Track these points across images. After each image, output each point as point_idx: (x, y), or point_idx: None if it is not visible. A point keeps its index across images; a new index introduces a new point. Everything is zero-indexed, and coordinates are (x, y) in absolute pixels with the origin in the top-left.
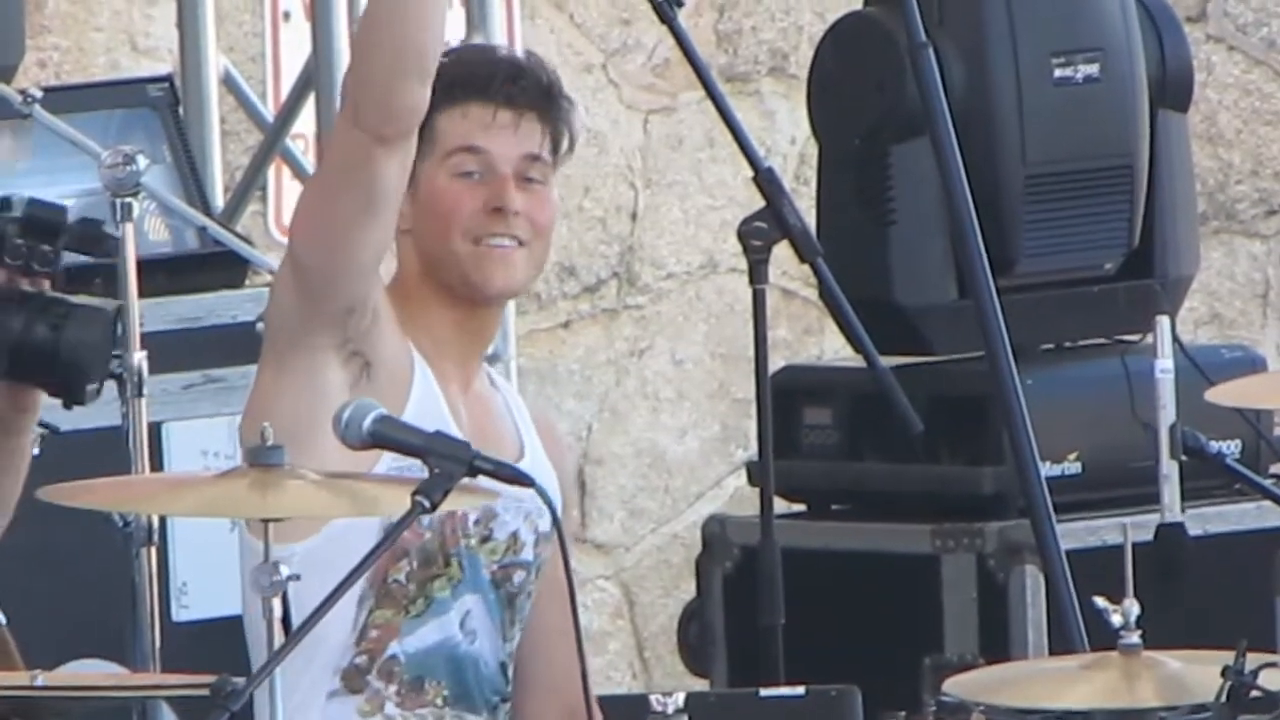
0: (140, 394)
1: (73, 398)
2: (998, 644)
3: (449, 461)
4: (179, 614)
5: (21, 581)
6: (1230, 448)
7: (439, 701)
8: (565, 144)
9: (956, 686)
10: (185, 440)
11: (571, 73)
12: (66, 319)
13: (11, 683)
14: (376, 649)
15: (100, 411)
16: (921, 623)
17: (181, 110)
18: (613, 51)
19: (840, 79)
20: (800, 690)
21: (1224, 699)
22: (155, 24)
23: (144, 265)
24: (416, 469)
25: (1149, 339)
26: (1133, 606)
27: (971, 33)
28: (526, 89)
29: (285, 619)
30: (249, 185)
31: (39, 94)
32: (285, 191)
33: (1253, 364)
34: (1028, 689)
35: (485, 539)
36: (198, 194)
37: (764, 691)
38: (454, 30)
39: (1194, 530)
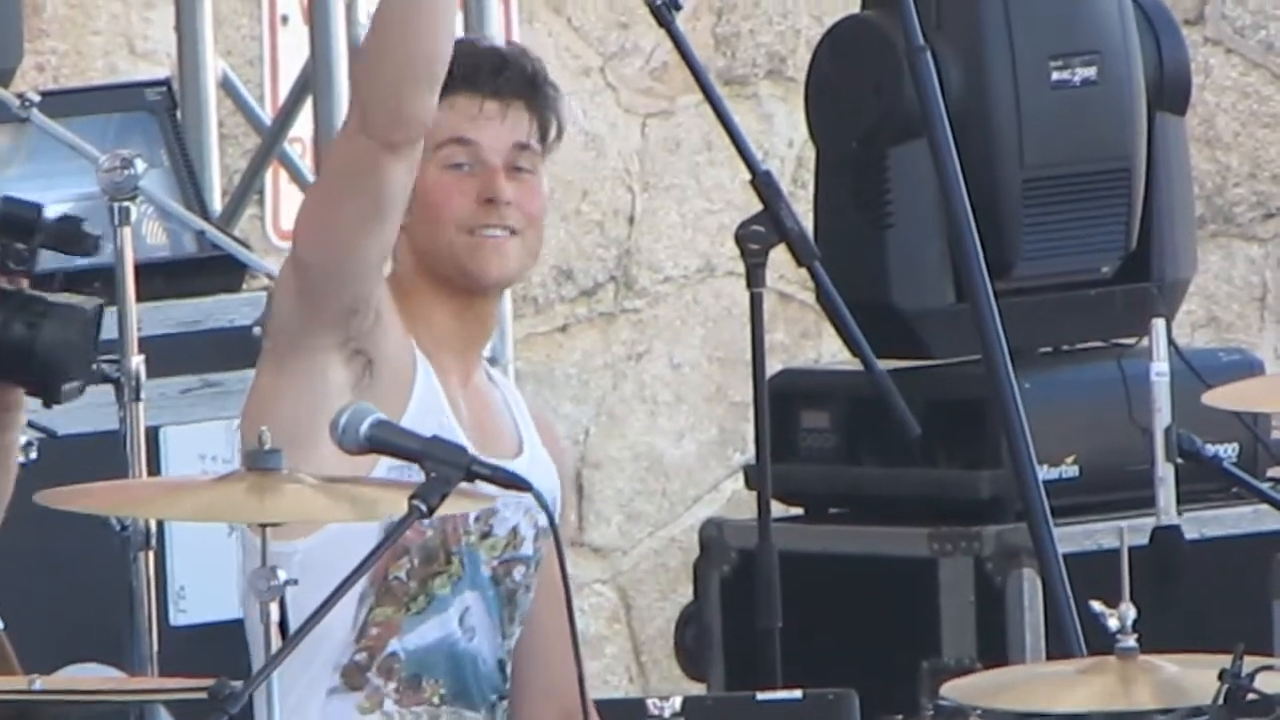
0: (138, 398)
1: (50, 396)
2: (995, 648)
3: (446, 466)
4: (176, 618)
5: (19, 585)
6: (1227, 451)
7: (435, 700)
8: (553, 132)
9: (954, 690)
10: (183, 444)
11: (569, 76)
12: (43, 317)
13: (9, 687)
14: (377, 646)
15: (98, 416)
16: (919, 626)
17: (179, 114)
18: (610, 55)
19: (838, 82)
20: (797, 694)
21: (1221, 702)
22: (153, 27)
23: (141, 269)
24: (417, 472)
25: (1146, 342)
26: (1130, 610)
27: (969, 36)
28: (512, 79)
29: (283, 622)
30: (247, 189)
31: (37, 98)
32: (283, 195)
33: (1250, 367)
34: (1025, 693)
35: (485, 535)
36: (195, 198)
37: (761, 695)
38: None
39: (1191, 534)
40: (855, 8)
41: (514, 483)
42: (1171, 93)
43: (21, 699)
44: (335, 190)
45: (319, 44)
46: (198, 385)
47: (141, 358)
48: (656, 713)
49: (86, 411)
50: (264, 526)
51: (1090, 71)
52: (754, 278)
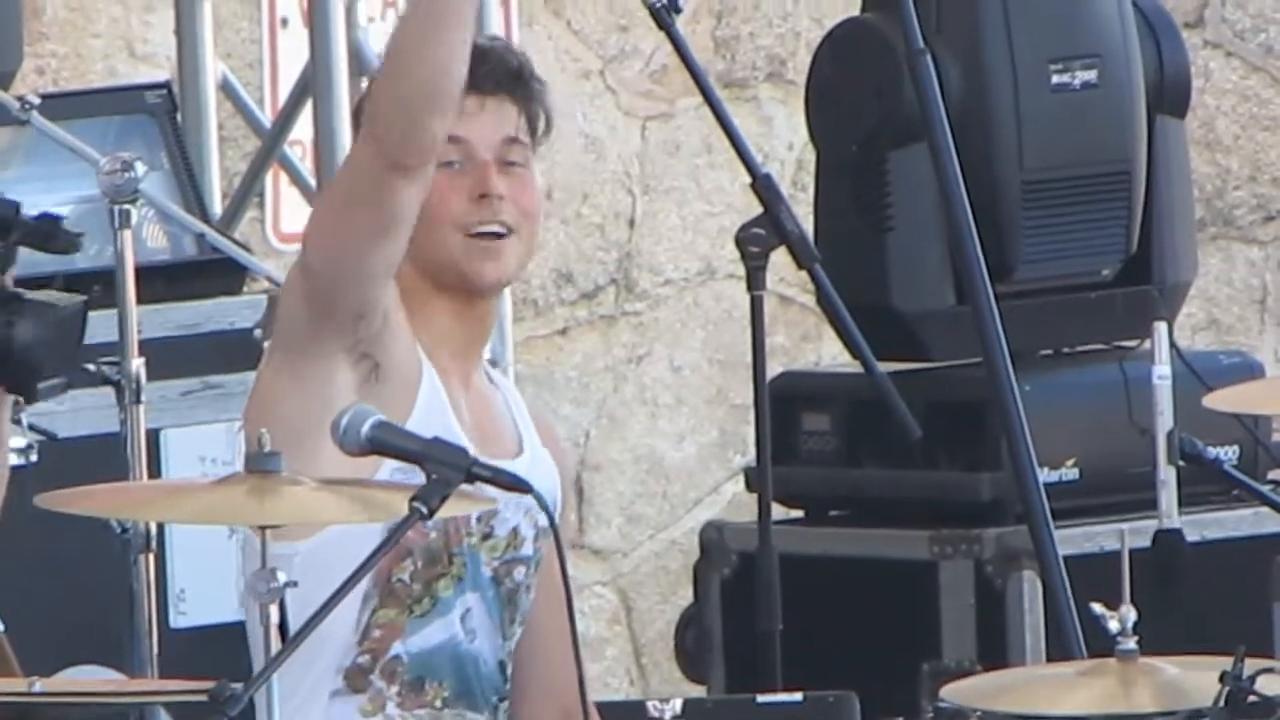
0: (138, 400)
1: (27, 394)
2: (995, 650)
3: (447, 468)
4: (177, 620)
5: (19, 587)
6: (1228, 453)
7: (438, 703)
8: (542, 125)
9: (954, 693)
10: (183, 447)
11: (569, 79)
12: (20, 315)
13: (9, 689)
14: (380, 649)
15: (98, 418)
16: (919, 629)
17: (179, 117)
18: (610, 58)
19: (838, 85)
20: (798, 696)
21: (1222, 705)
22: (153, 30)
23: (142, 272)
24: (420, 475)
25: (1147, 345)
26: (1130, 612)
27: (969, 39)
28: (494, 72)
29: (282, 625)
30: (247, 192)
31: (37, 100)
32: (283, 198)
33: (1250, 370)
34: (1025, 695)
35: (486, 536)
36: (195, 201)
37: (761, 698)
38: None
39: (1191, 536)
40: (855, 10)
41: (515, 484)
42: (1172, 96)
43: (21, 701)
44: (346, 202)
45: (319, 47)
46: (198, 388)
47: (142, 360)
48: (657, 715)
49: (87, 414)
50: (264, 529)
51: (1090, 75)
52: (754, 280)
